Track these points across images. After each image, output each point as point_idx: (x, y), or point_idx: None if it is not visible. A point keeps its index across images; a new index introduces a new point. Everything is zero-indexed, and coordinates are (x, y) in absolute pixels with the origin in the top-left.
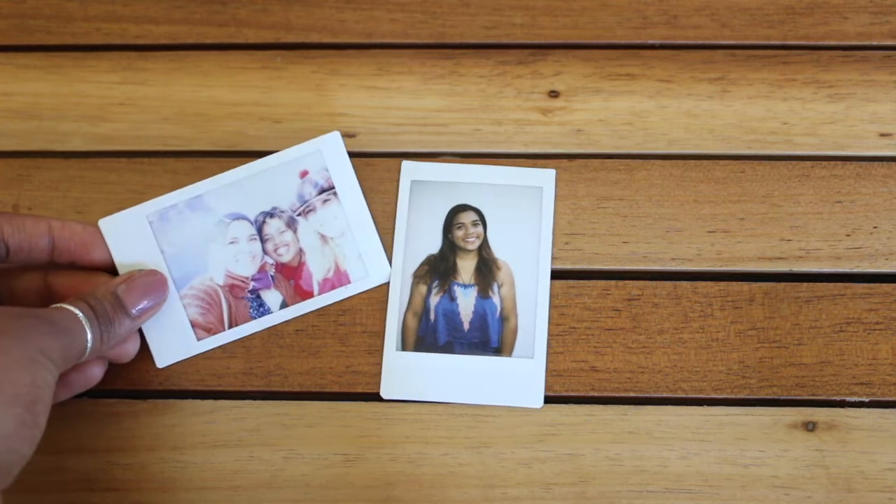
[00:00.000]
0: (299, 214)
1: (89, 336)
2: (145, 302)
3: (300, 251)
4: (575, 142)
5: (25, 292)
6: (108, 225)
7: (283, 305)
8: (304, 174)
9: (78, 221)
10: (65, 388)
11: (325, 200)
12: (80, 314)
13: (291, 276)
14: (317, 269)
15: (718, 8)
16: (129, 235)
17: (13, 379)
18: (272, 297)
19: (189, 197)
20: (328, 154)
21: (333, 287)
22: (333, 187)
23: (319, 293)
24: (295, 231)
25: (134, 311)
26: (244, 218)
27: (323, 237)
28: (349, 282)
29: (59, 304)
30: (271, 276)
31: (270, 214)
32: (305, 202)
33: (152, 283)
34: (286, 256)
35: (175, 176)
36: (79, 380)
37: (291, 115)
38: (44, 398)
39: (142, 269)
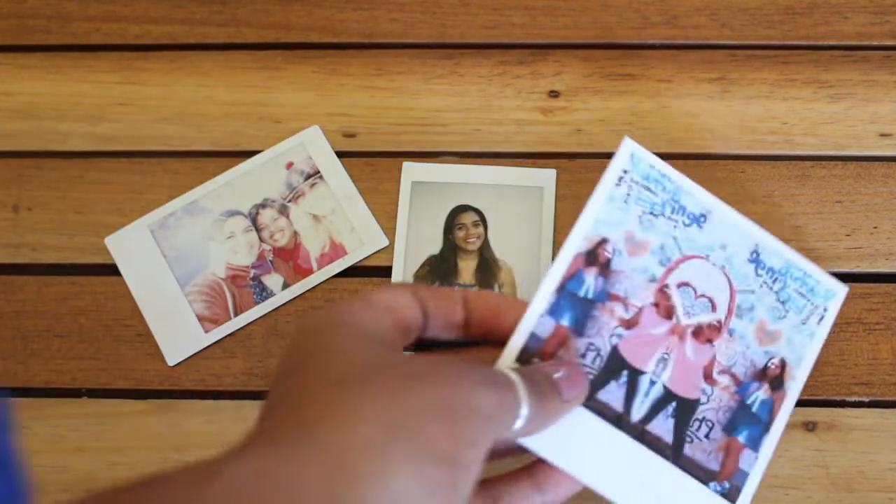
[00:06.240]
0: (290, 201)
1: (524, 407)
2: (574, 392)
3: (295, 234)
4: (575, 142)
5: None
6: (113, 241)
7: (286, 286)
8: (289, 165)
9: (490, 292)
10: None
11: (313, 184)
12: (515, 378)
13: (290, 258)
14: (313, 247)
15: (718, 8)
16: (133, 247)
17: (428, 429)
18: (273, 281)
19: (185, 203)
20: (310, 145)
21: (331, 261)
22: (319, 172)
23: (318, 269)
24: (287, 216)
25: (564, 395)
26: (238, 213)
27: (315, 217)
28: (345, 253)
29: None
30: (270, 262)
31: (263, 206)
32: (294, 189)
33: (584, 376)
34: (282, 241)
35: (175, 176)
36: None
37: (291, 115)
38: (466, 461)
39: (557, 363)
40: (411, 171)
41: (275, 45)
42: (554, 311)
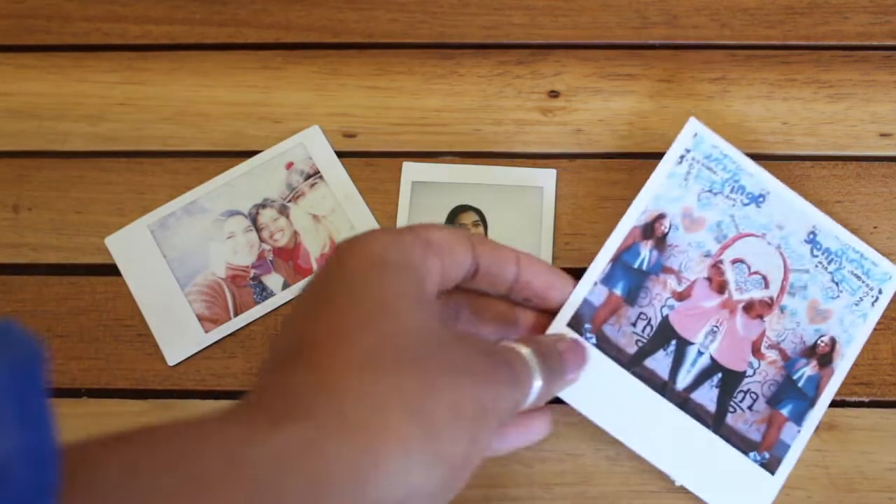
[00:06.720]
0: (290, 201)
1: (536, 385)
2: (577, 372)
3: (294, 234)
4: (575, 142)
5: (489, 317)
6: (113, 241)
7: (286, 286)
8: (289, 166)
9: (542, 261)
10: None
11: (313, 184)
12: (531, 359)
13: (290, 258)
14: (313, 247)
15: (718, 8)
16: (133, 248)
17: (454, 436)
18: (273, 281)
19: (185, 203)
20: (310, 145)
21: None
22: (318, 172)
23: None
24: (287, 216)
25: (567, 376)
26: (238, 213)
27: (315, 217)
28: None
29: (508, 344)
30: (270, 262)
31: (262, 206)
32: (294, 189)
33: (585, 355)
34: (282, 241)
35: (175, 176)
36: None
37: (291, 115)
38: (473, 463)
39: (564, 336)
40: (411, 171)
41: (275, 45)
42: (608, 280)
